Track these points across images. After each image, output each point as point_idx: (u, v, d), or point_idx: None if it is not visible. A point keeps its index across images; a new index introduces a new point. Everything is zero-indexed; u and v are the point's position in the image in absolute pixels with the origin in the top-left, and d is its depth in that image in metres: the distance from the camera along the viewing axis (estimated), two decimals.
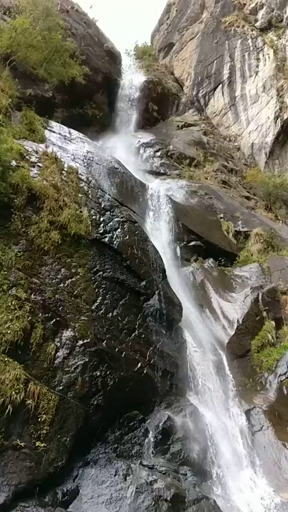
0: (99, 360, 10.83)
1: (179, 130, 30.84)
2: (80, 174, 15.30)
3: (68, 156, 16.00)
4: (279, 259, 19.40)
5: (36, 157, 14.46)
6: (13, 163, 12.93)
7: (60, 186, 13.74)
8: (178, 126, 31.46)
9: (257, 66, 32.10)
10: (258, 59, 32.32)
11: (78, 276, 12.01)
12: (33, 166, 13.91)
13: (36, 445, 9.05)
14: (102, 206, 14.64)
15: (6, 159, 12.20)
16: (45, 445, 9.14)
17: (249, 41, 33.03)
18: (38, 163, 14.22)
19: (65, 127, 18.86)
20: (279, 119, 29.44)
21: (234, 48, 33.35)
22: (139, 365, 11.64)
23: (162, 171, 24.67)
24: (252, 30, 33.58)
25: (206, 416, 12.05)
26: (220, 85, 33.27)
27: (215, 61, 33.97)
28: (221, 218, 21.26)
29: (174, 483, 9.67)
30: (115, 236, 13.77)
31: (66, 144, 17.18)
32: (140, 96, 30.46)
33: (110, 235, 13.70)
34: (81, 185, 14.83)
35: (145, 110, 30.54)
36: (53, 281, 11.43)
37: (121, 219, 14.52)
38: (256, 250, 20.15)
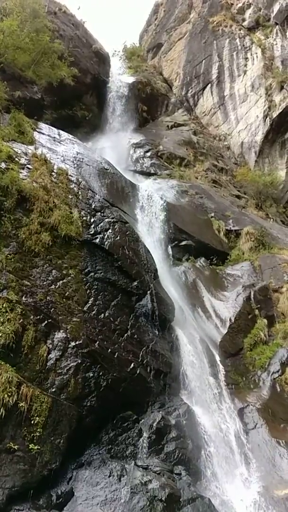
0: (91, 361, 10.79)
1: (169, 130, 30.90)
2: (70, 175, 15.29)
3: (57, 158, 15.98)
4: (270, 257, 19.46)
5: (25, 159, 14.44)
6: (2, 165, 12.95)
7: (50, 188, 13.73)
8: (168, 126, 31.53)
9: (246, 65, 32.21)
10: (246, 59, 32.42)
11: (69, 278, 11.99)
12: (23, 168, 13.90)
13: (30, 447, 9.00)
14: (93, 207, 14.62)
15: None
16: (39, 447, 9.09)
17: (237, 40, 33.13)
18: (27, 165, 14.21)
19: (54, 129, 18.87)
20: (268, 118, 29.51)
21: (222, 47, 33.47)
22: (132, 365, 11.61)
23: (152, 171, 24.69)
24: (240, 30, 33.67)
25: (199, 415, 12.06)
26: (209, 85, 33.38)
27: (203, 61, 34.07)
28: (212, 217, 21.31)
29: (169, 483, 9.65)
30: (106, 236, 13.76)
31: (56, 145, 17.16)
32: (129, 97, 30.45)
33: (101, 236, 13.68)
34: (71, 186, 14.81)
35: (135, 111, 30.54)
36: (44, 283, 11.40)
37: (112, 220, 14.51)
38: (247, 248, 20.21)
